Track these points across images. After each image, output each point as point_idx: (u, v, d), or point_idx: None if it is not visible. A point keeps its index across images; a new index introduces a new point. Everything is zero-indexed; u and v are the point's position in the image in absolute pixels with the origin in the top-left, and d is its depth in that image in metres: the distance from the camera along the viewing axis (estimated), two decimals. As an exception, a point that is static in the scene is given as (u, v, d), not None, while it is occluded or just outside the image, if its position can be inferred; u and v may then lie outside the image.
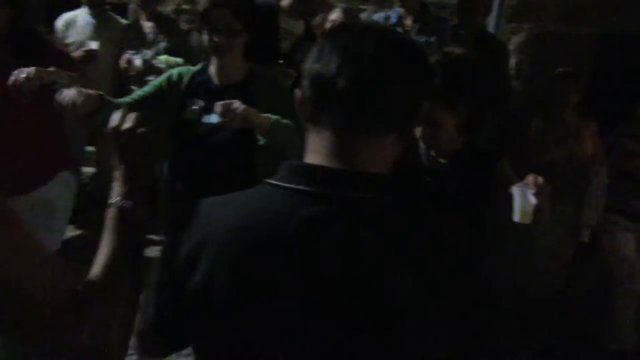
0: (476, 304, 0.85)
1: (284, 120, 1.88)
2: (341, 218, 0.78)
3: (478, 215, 1.81)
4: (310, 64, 0.84)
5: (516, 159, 3.26)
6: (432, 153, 1.76)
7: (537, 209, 1.54)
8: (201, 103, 1.99)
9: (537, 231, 3.18)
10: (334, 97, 0.80)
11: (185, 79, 2.06)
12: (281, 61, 2.66)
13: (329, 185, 0.80)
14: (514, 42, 3.40)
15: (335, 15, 3.14)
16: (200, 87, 2.03)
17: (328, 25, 3.17)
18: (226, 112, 1.80)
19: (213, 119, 1.92)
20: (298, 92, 0.88)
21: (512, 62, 3.44)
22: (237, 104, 1.78)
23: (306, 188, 0.80)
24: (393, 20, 3.01)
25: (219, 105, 1.81)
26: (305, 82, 0.85)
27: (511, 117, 3.33)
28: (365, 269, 0.77)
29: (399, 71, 0.83)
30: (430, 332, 0.80)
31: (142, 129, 0.96)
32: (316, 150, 0.84)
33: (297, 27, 2.83)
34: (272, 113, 1.88)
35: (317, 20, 3.39)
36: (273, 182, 0.83)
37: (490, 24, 3.25)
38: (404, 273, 0.77)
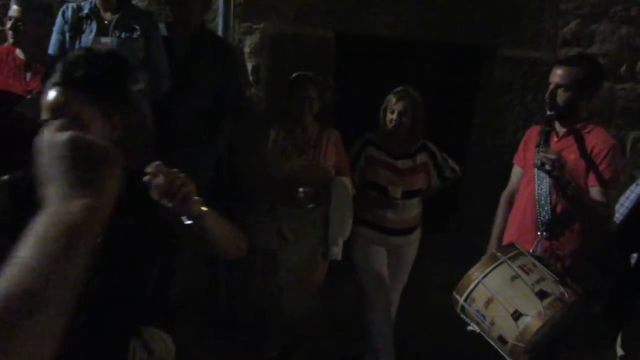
0: None
1: None
2: None
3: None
4: None
5: (258, 170, 2.95)
6: None
7: None
8: None
9: (281, 252, 2.87)
10: None
11: None
12: None
13: None
14: (248, 45, 3.07)
15: (12, 11, 2.52)
16: None
17: (9, 25, 2.55)
18: None
19: None
20: None
21: (249, 66, 3.10)
22: None
23: None
24: (85, 11, 2.48)
25: None
26: None
27: (250, 127, 2.97)
28: None
29: None
30: None
31: None
32: None
33: None
34: None
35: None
36: None
37: (219, 23, 2.88)
38: None
